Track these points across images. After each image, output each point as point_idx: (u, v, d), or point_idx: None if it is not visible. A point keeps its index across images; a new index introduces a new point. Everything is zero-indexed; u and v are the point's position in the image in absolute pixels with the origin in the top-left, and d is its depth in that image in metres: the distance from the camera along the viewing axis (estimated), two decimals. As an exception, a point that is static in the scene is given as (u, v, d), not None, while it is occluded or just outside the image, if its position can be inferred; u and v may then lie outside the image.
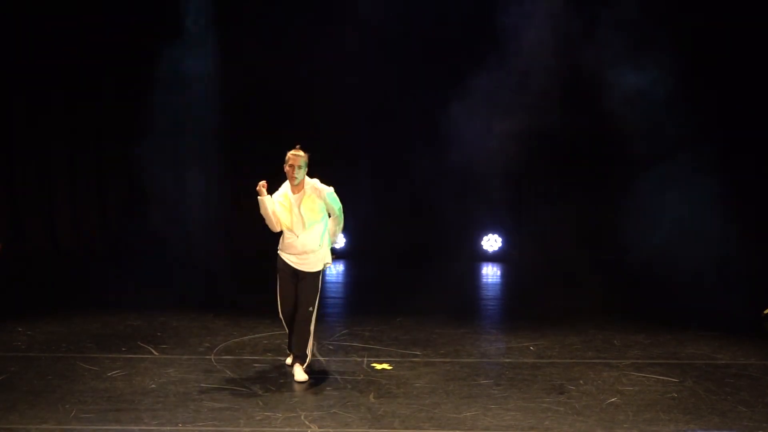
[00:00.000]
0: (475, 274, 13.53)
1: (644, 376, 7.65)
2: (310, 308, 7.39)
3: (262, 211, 7.30)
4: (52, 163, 14.13)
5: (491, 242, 14.35)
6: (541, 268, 13.52)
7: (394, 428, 6.33)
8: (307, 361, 7.46)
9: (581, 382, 7.48)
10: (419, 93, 13.44)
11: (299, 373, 7.39)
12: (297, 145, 7.33)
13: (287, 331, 7.57)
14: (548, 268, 13.49)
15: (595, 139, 13.69)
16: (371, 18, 12.98)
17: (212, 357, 8.09)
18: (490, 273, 13.67)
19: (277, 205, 7.34)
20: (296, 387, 7.23)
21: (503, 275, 13.52)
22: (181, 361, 7.91)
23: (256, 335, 8.88)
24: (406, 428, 6.34)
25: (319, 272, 7.42)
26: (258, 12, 13.53)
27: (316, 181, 7.37)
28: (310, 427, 6.29)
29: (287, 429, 6.27)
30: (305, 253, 7.35)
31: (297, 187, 7.30)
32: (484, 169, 13.17)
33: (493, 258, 14.24)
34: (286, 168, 7.27)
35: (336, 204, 7.39)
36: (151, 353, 8.18)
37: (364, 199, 13.64)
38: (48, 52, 13.54)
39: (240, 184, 14.25)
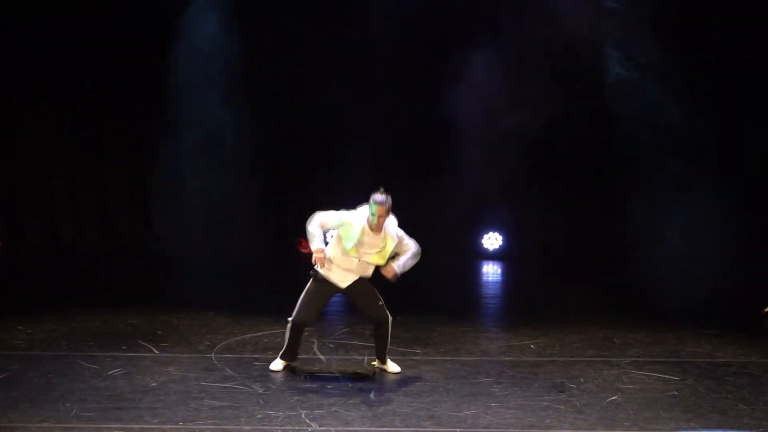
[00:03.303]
0: (476, 272, 13.53)
1: (645, 375, 7.65)
2: (380, 303, 7.44)
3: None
4: (52, 161, 14.12)
5: (492, 240, 14.35)
6: (542, 267, 13.51)
7: (395, 426, 6.33)
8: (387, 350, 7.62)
9: (582, 380, 7.48)
10: (419, 90, 13.44)
11: (393, 367, 7.58)
12: (381, 188, 7.18)
13: (287, 339, 7.50)
14: (549, 266, 13.49)
15: (596, 137, 13.70)
16: (372, 16, 13.03)
17: (213, 355, 8.09)
18: (491, 271, 13.66)
19: (349, 234, 7.20)
20: (299, 386, 7.23)
21: (504, 273, 13.51)
22: (182, 360, 7.91)
23: (257, 333, 8.87)
24: (407, 426, 6.34)
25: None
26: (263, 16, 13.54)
27: (395, 226, 7.31)
28: (310, 426, 6.29)
29: (288, 427, 6.26)
30: (351, 274, 7.34)
31: (377, 228, 7.23)
32: (485, 166, 13.18)
33: (493, 256, 14.23)
34: (369, 216, 7.12)
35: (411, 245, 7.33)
36: (152, 351, 8.18)
37: (363, 195, 13.63)
38: (49, 48, 13.54)
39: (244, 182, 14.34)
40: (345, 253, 7.26)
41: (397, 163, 13.71)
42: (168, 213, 14.27)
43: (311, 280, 7.44)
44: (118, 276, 12.46)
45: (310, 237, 7.27)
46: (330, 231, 7.37)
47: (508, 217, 14.15)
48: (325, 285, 7.40)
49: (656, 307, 10.51)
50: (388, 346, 7.61)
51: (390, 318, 7.48)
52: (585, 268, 13.17)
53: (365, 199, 7.19)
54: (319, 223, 7.24)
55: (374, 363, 7.71)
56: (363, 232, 7.18)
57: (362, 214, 7.22)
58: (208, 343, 8.52)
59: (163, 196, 14.28)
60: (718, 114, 13.13)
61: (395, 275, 7.27)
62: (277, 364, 7.60)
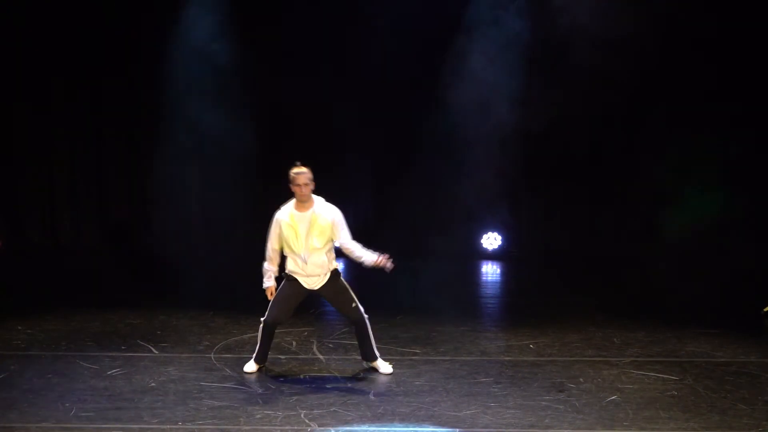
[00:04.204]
0: (476, 272, 13.52)
1: (644, 374, 7.65)
2: (354, 304, 7.46)
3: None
4: (52, 160, 14.13)
5: (491, 240, 14.35)
6: (542, 267, 13.51)
7: (395, 426, 6.33)
8: (377, 352, 7.60)
9: (581, 380, 7.48)
10: (418, 88, 13.44)
11: (384, 367, 7.56)
12: (297, 162, 7.29)
13: (260, 341, 7.53)
14: (549, 266, 13.49)
15: (595, 136, 13.70)
16: (370, 14, 13.04)
17: (212, 355, 8.10)
18: (490, 271, 13.66)
19: (284, 232, 7.25)
20: (298, 386, 7.23)
21: (503, 273, 13.51)
22: (181, 360, 7.92)
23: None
24: (407, 426, 6.34)
25: (334, 277, 7.44)
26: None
27: (324, 201, 7.36)
28: (309, 426, 6.29)
29: (287, 427, 6.27)
30: (313, 276, 7.36)
31: (305, 206, 7.27)
32: (484, 165, 13.17)
33: (492, 256, 14.23)
34: (294, 188, 7.22)
35: (344, 230, 7.34)
36: (151, 351, 8.19)
37: (363, 195, 13.66)
38: (49, 48, 13.55)
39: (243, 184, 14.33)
40: (294, 255, 7.26)
41: (397, 163, 13.69)
42: (168, 213, 14.28)
43: (284, 280, 7.48)
44: (118, 276, 12.46)
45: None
46: (284, 249, 7.35)
47: (508, 217, 14.14)
48: (296, 285, 7.42)
49: (656, 307, 10.51)
50: (374, 346, 7.61)
51: (365, 318, 7.50)
52: (585, 268, 13.16)
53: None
54: (267, 256, 7.38)
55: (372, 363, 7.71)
56: (293, 218, 7.21)
57: (285, 206, 7.32)
58: (207, 343, 8.53)
59: (163, 196, 14.28)
60: (717, 113, 13.11)
61: (386, 259, 7.26)
62: (251, 366, 7.61)
